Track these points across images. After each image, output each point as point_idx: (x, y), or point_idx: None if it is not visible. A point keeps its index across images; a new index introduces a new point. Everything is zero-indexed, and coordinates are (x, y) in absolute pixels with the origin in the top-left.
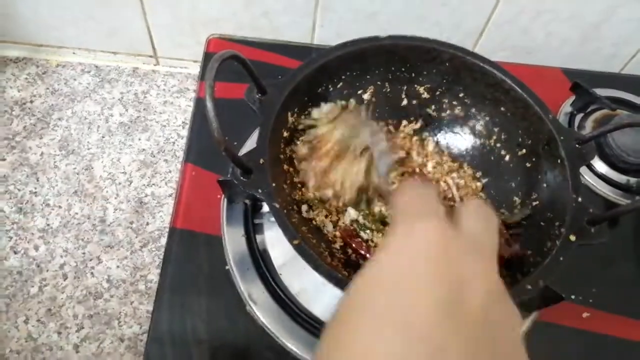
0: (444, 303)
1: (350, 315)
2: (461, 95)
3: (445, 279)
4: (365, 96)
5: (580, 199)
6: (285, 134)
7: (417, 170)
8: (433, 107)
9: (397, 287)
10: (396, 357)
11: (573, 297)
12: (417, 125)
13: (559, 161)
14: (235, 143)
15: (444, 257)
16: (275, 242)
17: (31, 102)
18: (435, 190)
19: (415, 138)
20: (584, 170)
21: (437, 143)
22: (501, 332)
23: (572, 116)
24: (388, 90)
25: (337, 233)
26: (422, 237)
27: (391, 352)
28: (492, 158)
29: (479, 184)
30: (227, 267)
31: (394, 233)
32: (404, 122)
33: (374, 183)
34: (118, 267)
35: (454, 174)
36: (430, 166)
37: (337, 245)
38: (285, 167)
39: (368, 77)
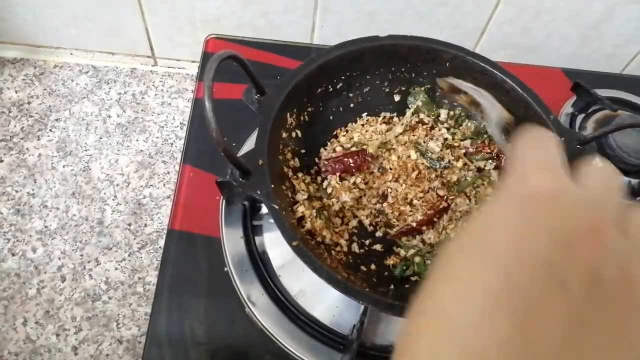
0: (549, 260)
1: (459, 253)
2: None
3: (554, 234)
4: None
5: None
6: (285, 134)
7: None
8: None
9: (502, 234)
10: (490, 300)
11: None
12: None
13: None
14: (234, 144)
15: (555, 210)
16: (274, 243)
17: (29, 103)
18: (557, 140)
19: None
20: None
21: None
22: (615, 295)
23: (573, 117)
24: (387, 90)
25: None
26: (536, 187)
27: (485, 294)
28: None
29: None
30: (225, 269)
31: (503, 186)
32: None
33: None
34: (116, 269)
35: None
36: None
37: (336, 247)
38: (285, 169)
39: (368, 77)
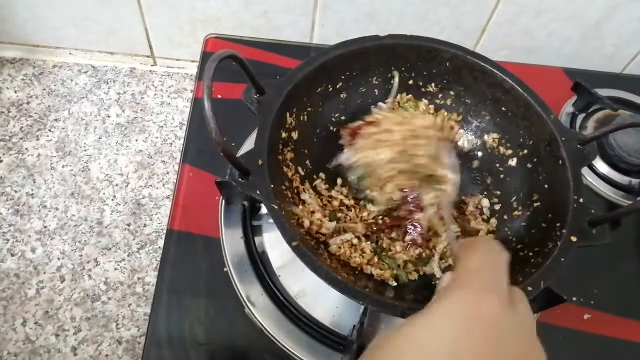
0: None
1: None
2: (461, 95)
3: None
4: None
5: (581, 200)
6: (284, 134)
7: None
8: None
9: (445, 354)
10: None
11: (574, 298)
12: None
13: (560, 162)
14: (234, 144)
15: (498, 337)
16: (274, 243)
17: (28, 103)
18: (506, 259)
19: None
20: (585, 170)
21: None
22: None
23: (573, 116)
24: (388, 89)
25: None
26: (485, 311)
27: None
28: (493, 158)
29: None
30: (225, 269)
31: (454, 295)
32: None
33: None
34: (115, 269)
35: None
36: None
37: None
38: (284, 169)
39: (368, 76)
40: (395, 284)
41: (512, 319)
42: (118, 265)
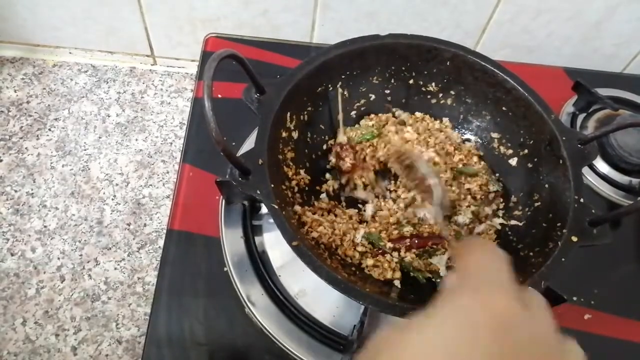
0: None
1: None
2: (462, 94)
3: None
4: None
5: (582, 200)
6: (284, 134)
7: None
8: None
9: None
10: None
11: (575, 298)
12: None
13: (560, 161)
14: (234, 143)
15: (510, 337)
16: (274, 243)
17: (28, 102)
18: (507, 259)
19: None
20: (585, 170)
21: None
22: None
23: (574, 116)
24: (388, 89)
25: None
26: (493, 310)
27: None
28: (494, 158)
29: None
30: (225, 269)
31: (459, 295)
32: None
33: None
34: (115, 269)
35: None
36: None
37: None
38: (285, 168)
39: (368, 76)
40: (400, 286)
41: (525, 319)
42: (118, 265)
